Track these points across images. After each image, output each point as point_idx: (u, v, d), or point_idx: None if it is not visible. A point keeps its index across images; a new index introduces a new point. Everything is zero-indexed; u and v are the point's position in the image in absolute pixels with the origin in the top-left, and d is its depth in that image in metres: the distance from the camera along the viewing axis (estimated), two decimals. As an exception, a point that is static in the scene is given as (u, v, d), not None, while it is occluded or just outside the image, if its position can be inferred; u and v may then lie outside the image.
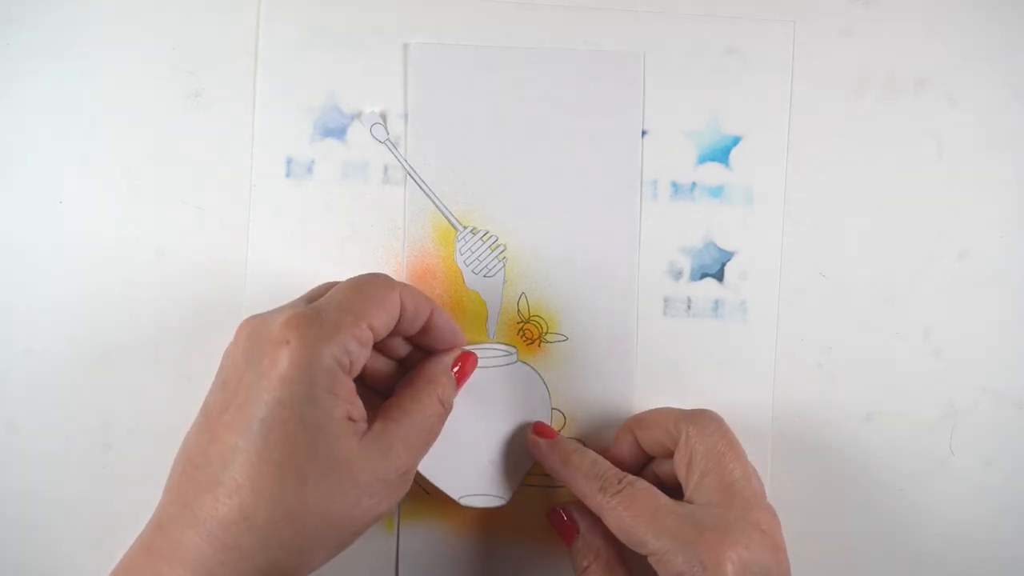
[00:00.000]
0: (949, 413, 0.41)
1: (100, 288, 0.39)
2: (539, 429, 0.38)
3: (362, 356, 0.31)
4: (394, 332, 0.33)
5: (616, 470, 0.35)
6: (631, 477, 0.35)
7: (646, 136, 0.40)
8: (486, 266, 0.40)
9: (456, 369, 0.35)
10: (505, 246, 0.40)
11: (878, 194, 0.41)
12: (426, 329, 0.34)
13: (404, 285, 0.33)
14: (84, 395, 0.40)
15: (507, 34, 0.40)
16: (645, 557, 0.33)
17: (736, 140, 0.40)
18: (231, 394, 0.29)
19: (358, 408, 0.31)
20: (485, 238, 0.40)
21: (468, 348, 0.38)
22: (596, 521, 0.35)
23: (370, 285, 0.32)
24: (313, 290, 0.34)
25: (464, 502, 0.38)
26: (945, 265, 0.41)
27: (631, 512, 0.33)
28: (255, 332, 0.30)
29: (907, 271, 0.41)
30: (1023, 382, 0.41)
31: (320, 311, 0.30)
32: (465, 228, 0.40)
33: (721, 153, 0.40)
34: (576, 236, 0.40)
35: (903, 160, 0.41)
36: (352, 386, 0.30)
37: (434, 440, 0.34)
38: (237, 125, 0.40)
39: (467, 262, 0.40)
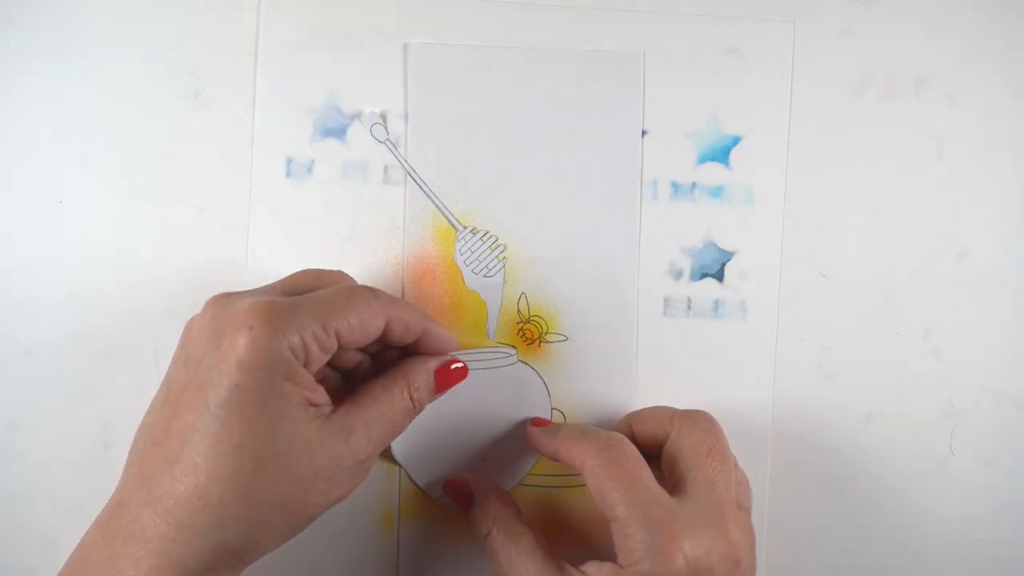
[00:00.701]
0: (949, 413, 0.41)
1: (100, 288, 0.39)
2: (537, 422, 0.38)
3: (321, 359, 0.31)
4: (377, 341, 0.33)
5: (606, 432, 0.35)
6: (621, 438, 0.34)
7: (646, 136, 0.40)
8: (486, 266, 0.40)
9: (438, 370, 0.35)
10: (505, 246, 0.40)
11: (878, 194, 0.41)
12: (415, 343, 0.34)
13: (396, 305, 0.33)
14: (84, 395, 0.40)
15: (507, 34, 0.40)
16: (551, 523, 0.33)
17: (736, 140, 0.40)
18: (193, 372, 0.30)
19: (319, 394, 0.31)
20: (485, 238, 0.40)
21: (468, 352, 0.38)
22: (492, 487, 0.36)
23: (356, 298, 0.31)
24: (297, 276, 0.34)
25: (442, 500, 0.39)
26: (945, 265, 0.41)
27: (611, 475, 0.33)
28: (220, 311, 0.30)
29: (907, 271, 0.41)
30: (1023, 382, 0.41)
31: (290, 304, 0.30)
32: (465, 228, 0.40)
33: (721, 153, 0.40)
34: (576, 236, 0.40)
35: (903, 160, 0.41)
36: (310, 375, 0.30)
37: (398, 433, 0.34)
38: (237, 125, 0.40)
39: (467, 262, 0.40)
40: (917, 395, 0.41)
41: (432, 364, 0.35)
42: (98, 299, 0.39)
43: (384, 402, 0.33)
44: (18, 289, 0.39)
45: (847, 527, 0.41)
